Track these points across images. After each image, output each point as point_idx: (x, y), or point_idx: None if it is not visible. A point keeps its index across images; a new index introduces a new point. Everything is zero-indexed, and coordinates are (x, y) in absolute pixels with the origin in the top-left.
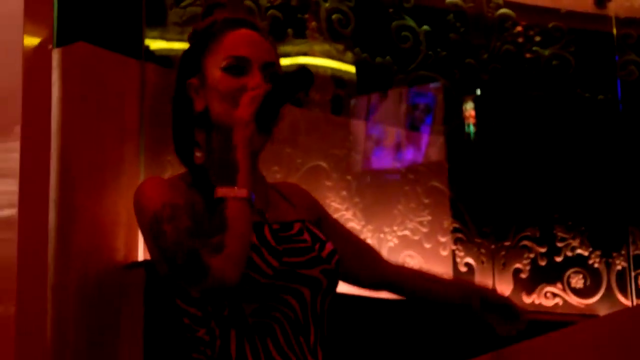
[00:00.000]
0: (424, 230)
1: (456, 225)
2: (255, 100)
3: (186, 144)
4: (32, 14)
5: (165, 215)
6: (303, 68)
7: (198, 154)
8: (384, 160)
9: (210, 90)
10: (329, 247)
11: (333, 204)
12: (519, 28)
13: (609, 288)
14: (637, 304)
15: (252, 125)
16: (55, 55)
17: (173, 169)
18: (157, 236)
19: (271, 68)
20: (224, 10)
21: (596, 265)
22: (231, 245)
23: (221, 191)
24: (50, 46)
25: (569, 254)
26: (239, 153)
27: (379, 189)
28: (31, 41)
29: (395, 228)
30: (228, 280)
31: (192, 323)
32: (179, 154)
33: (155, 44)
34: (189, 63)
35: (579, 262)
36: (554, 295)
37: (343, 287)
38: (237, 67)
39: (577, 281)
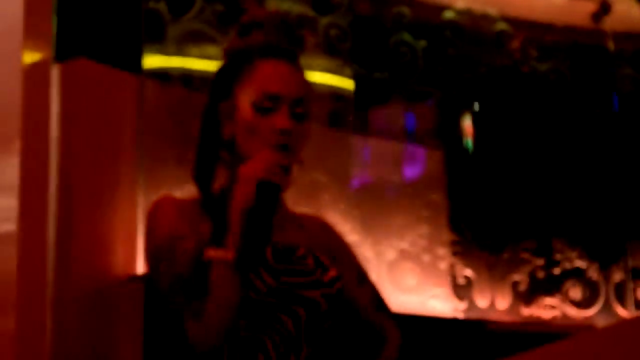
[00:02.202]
0: (423, 243)
1: (454, 238)
2: (270, 168)
3: (207, 169)
4: (32, 29)
5: (165, 251)
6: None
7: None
8: (382, 174)
9: (239, 121)
10: (332, 273)
11: (331, 217)
12: (516, 43)
13: (607, 300)
14: (636, 316)
15: (254, 185)
16: (55, 71)
17: (171, 185)
18: (154, 273)
19: (300, 105)
20: (261, 31)
21: (594, 277)
22: (212, 312)
23: (208, 252)
24: (49, 61)
25: (567, 266)
26: (233, 211)
27: (377, 203)
28: (31, 56)
29: (393, 241)
30: (205, 347)
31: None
32: (197, 177)
33: (154, 60)
34: (221, 86)
35: (577, 274)
36: (552, 307)
37: None
38: (267, 106)
39: (576, 293)
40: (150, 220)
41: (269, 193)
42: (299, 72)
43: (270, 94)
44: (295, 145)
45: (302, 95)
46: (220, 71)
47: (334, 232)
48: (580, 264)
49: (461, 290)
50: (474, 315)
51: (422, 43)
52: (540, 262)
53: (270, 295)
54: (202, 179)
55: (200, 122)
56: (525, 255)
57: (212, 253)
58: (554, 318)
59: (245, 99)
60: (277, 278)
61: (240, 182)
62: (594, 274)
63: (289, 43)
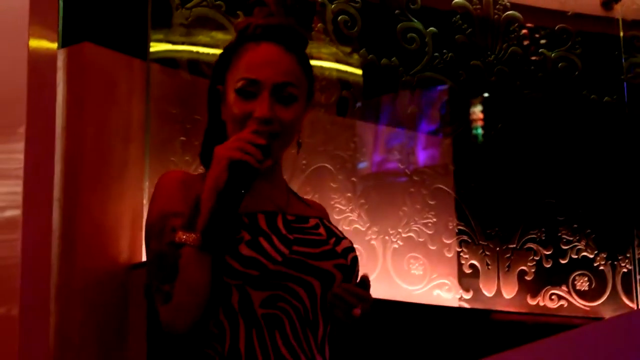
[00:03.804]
0: (429, 232)
1: (461, 227)
2: (243, 147)
3: (211, 149)
4: (38, 14)
5: (156, 229)
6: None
7: None
8: (390, 162)
9: (227, 108)
10: (345, 243)
11: (338, 205)
12: (525, 30)
13: (614, 290)
14: None
15: (225, 164)
16: (61, 56)
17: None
18: (146, 250)
19: (283, 89)
20: (263, 10)
21: (601, 267)
22: (180, 296)
23: (178, 235)
24: (55, 46)
25: (574, 256)
26: (205, 192)
27: (384, 191)
28: (36, 41)
29: (400, 229)
30: (177, 330)
31: None
32: (202, 156)
33: (161, 45)
34: (217, 71)
35: (584, 265)
36: (559, 297)
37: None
38: (248, 91)
39: (582, 283)
40: (153, 194)
41: (241, 173)
42: (290, 54)
43: (250, 80)
44: (281, 131)
45: (289, 79)
46: (221, 54)
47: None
48: (587, 254)
49: (467, 279)
50: (479, 304)
51: (431, 30)
52: (547, 251)
53: (285, 265)
54: (206, 158)
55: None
56: (532, 245)
57: (182, 236)
58: (561, 308)
59: (231, 86)
60: (289, 247)
61: (214, 162)
62: (601, 264)
63: (295, 22)
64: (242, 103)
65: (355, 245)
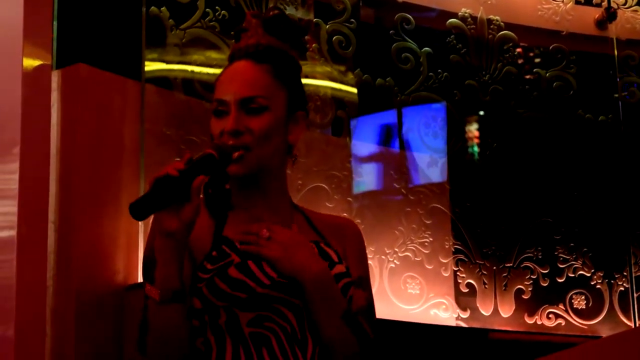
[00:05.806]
0: (426, 251)
1: (458, 246)
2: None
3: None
4: (32, 36)
5: (146, 264)
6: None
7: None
8: (385, 182)
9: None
10: (339, 268)
11: None
12: (520, 49)
13: (611, 309)
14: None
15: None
16: (55, 77)
17: None
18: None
19: (251, 102)
20: (247, 35)
21: (598, 286)
22: (152, 348)
23: (145, 288)
24: (49, 68)
25: (571, 274)
26: (157, 241)
27: (380, 210)
28: (31, 63)
29: (396, 249)
30: None
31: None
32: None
33: (155, 64)
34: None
35: (581, 283)
36: (556, 316)
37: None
38: (220, 110)
39: (580, 302)
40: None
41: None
42: (260, 65)
43: (219, 100)
44: (253, 140)
45: (255, 92)
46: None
47: (358, 233)
48: (584, 272)
49: (464, 298)
50: (477, 323)
51: (426, 50)
52: (544, 270)
53: (273, 288)
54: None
55: None
56: (529, 264)
57: (146, 290)
58: (558, 327)
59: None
60: (278, 271)
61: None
62: (598, 282)
63: (275, 39)
64: (217, 122)
65: None
